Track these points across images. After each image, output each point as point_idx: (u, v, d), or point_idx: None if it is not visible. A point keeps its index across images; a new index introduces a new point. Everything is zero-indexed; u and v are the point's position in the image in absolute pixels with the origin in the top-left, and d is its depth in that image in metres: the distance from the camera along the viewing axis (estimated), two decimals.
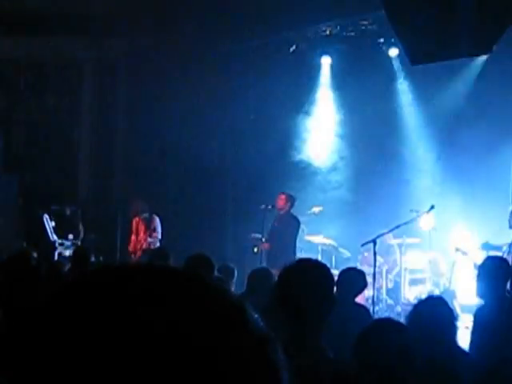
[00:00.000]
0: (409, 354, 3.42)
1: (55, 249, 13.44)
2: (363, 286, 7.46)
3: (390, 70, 13.86)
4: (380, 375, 3.37)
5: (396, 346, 3.40)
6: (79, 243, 13.52)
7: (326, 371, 3.42)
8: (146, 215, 13.57)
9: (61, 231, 13.77)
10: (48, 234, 13.61)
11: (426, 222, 12.70)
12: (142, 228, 13.51)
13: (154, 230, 13.47)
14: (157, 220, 13.55)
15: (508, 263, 6.97)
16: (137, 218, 13.63)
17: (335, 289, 3.86)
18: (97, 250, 13.41)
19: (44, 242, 13.36)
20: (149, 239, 13.37)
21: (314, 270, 3.71)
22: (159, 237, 13.47)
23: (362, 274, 7.47)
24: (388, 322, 3.77)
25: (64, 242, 13.64)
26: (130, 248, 13.57)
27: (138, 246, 13.43)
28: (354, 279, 7.20)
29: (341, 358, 3.66)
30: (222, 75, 15.07)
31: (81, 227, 14.03)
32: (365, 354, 3.42)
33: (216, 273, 7.09)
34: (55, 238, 13.65)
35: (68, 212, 14.16)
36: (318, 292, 3.57)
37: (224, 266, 8.16)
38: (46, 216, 13.75)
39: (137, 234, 13.56)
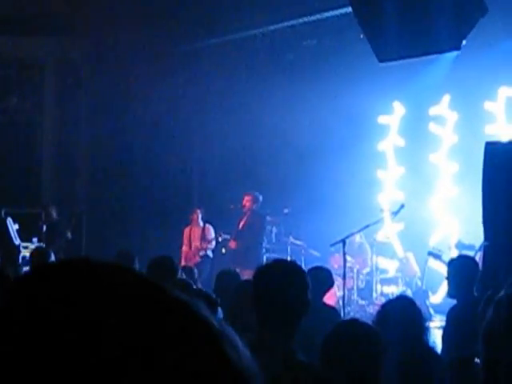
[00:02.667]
0: (376, 355, 3.40)
1: (19, 252, 13.22)
2: (330, 284, 7.35)
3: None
4: (347, 377, 3.34)
5: (362, 348, 3.38)
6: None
7: (297, 374, 3.36)
8: (201, 224, 13.63)
9: (24, 234, 13.55)
10: (12, 237, 13.38)
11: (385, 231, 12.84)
12: (196, 236, 13.53)
13: (211, 240, 13.51)
14: (211, 229, 13.58)
15: (475, 261, 6.93)
16: (190, 228, 13.64)
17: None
18: (62, 253, 13.24)
19: (7, 245, 13.12)
20: (209, 246, 13.47)
21: (290, 271, 3.68)
22: (213, 245, 13.54)
23: (328, 272, 7.35)
24: (354, 323, 3.74)
25: (28, 244, 13.40)
26: (183, 261, 13.16)
27: (192, 255, 13.39)
28: (321, 278, 7.07)
29: (310, 359, 3.59)
30: (187, 74, 14.96)
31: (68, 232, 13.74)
32: (331, 355, 3.41)
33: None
34: (19, 241, 13.42)
35: (54, 216, 13.84)
36: (292, 294, 3.54)
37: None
38: (9, 219, 13.52)
39: (190, 244, 13.53)
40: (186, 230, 13.70)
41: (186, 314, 0.77)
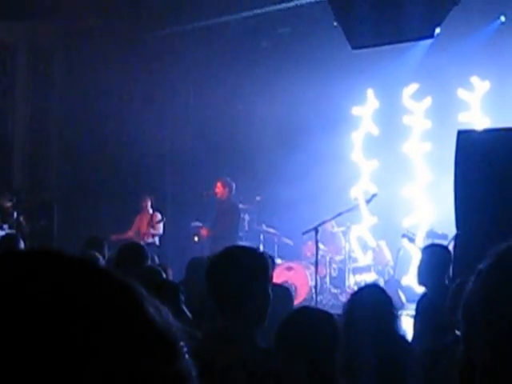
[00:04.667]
0: (330, 342, 3.34)
1: None
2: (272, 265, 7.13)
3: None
4: (304, 363, 3.28)
5: (317, 335, 3.32)
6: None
7: (258, 362, 3.28)
8: (150, 211, 13.67)
9: None
10: None
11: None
12: (144, 223, 13.54)
13: (158, 228, 13.53)
14: (158, 216, 13.58)
15: (448, 250, 6.91)
16: (141, 214, 13.66)
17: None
18: (32, 240, 13.13)
19: None
20: (152, 231, 13.41)
21: (244, 256, 3.47)
22: (160, 232, 13.54)
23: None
24: (308, 311, 3.66)
25: None
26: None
27: (139, 239, 13.28)
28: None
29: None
30: (161, 60, 14.88)
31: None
32: (285, 343, 3.35)
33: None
34: None
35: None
36: (248, 279, 3.37)
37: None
38: None
39: (138, 230, 13.54)
40: (137, 217, 13.69)
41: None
